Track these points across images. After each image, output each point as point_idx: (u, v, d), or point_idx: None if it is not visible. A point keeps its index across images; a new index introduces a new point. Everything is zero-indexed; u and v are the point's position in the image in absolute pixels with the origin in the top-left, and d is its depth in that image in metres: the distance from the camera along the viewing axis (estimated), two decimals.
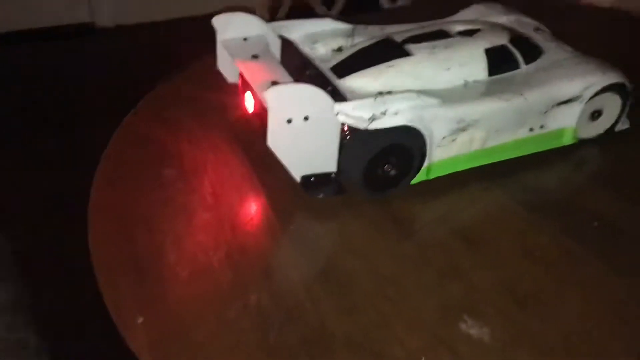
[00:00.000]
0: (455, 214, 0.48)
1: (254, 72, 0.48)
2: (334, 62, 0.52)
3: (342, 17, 0.59)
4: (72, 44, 2.04)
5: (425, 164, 0.48)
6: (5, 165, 1.42)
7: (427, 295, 0.41)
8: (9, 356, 0.99)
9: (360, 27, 0.58)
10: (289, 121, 0.44)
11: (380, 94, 0.48)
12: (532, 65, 0.54)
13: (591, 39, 0.60)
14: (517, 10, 0.63)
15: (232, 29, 0.51)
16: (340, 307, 0.40)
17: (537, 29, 0.61)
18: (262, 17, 0.55)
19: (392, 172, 0.48)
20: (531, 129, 0.52)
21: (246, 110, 0.52)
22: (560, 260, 0.44)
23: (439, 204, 0.49)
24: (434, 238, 0.46)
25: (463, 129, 0.48)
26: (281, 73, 0.47)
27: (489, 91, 0.51)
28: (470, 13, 0.62)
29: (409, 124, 0.45)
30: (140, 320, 0.38)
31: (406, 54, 0.51)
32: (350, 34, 0.56)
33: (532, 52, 0.55)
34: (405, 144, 0.47)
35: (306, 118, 0.44)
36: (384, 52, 0.51)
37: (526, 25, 0.61)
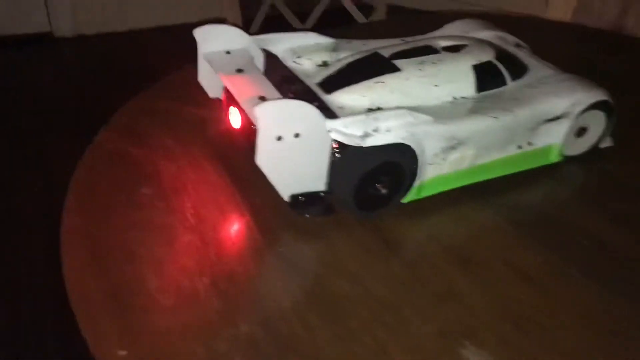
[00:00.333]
0: (447, 233, 0.47)
1: (240, 87, 0.45)
2: (320, 77, 0.50)
3: (322, 31, 0.57)
4: (29, 53, 1.97)
5: (417, 182, 0.47)
6: None
7: (425, 320, 0.39)
8: None
9: (343, 41, 0.57)
10: (279, 138, 0.42)
11: (370, 110, 0.47)
12: (519, 82, 0.54)
13: (555, 53, 0.60)
14: (497, 26, 0.63)
15: (214, 41, 0.49)
16: (336, 335, 0.38)
17: (517, 45, 0.61)
18: None
19: (383, 191, 0.46)
20: (519, 147, 0.52)
21: (230, 126, 0.49)
22: (555, 280, 0.43)
23: (430, 224, 0.48)
24: (426, 259, 0.44)
25: (454, 147, 0.47)
26: (268, 88, 0.45)
27: (477, 108, 0.50)
28: (453, 29, 0.61)
29: (401, 141, 0.44)
30: (123, 353, 0.35)
31: (394, 69, 0.49)
32: (334, 49, 0.55)
33: (517, 69, 0.55)
34: (397, 162, 0.45)
35: (296, 135, 0.42)
36: (372, 67, 0.50)
37: (507, 41, 0.61)
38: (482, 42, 0.56)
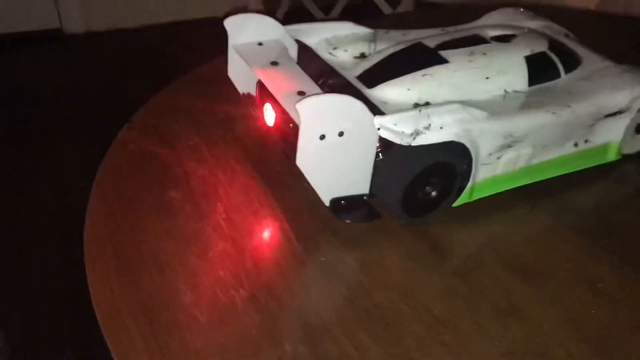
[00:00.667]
0: (502, 239, 0.43)
1: (276, 81, 0.42)
2: (359, 70, 0.46)
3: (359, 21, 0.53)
4: (39, 51, 1.94)
5: (469, 184, 0.43)
6: None
7: (488, 338, 0.35)
8: None
9: (381, 31, 0.53)
10: (322, 137, 0.38)
11: (417, 105, 0.43)
12: (573, 75, 0.50)
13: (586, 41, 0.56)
14: (544, 15, 0.59)
15: (246, 32, 0.45)
16: (390, 355, 0.34)
17: (566, 35, 0.57)
18: None
19: (433, 194, 0.42)
20: (576, 144, 0.48)
21: (263, 124, 0.45)
22: (626, 291, 0.39)
23: (482, 229, 0.44)
24: (483, 270, 0.40)
25: (510, 145, 0.43)
26: (307, 82, 0.42)
27: (532, 103, 0.46)
28: (497, 17, 0.57)
29: (455, 139, 0.40)
30: None
31: (441, 60, 0.45)
32: (372, 39, 0.51)
33: (571, 60, 0.50)
34: (449, 162, 0.41)
35: (341, 134, 0.38)
36: (417, 58, 0.46)
37: (555, 31, 0.57)
38: (532, 31, 0.52)
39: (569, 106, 0.45)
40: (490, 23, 0.56)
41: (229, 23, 0.45)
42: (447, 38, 0.48)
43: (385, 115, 0.38)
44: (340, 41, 0.50)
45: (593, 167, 0.49)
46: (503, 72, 0.46)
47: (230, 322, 0.35)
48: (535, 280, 0.40)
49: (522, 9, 0.59)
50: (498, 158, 0.43)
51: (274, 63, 0.44)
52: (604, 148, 0.49)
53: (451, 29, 0.54)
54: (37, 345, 0.93)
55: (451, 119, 0.40)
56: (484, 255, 0.42)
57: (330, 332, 0.35)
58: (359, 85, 0.45)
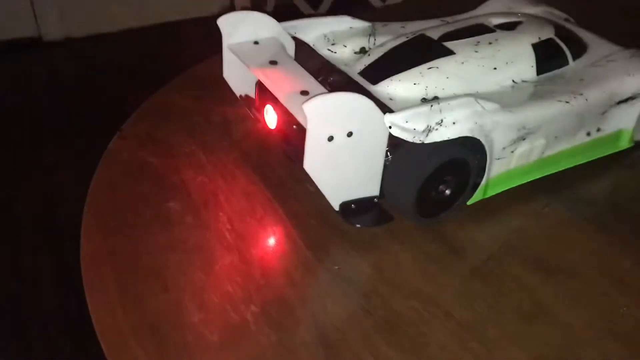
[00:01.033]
0: (521, 238, 0.41)
1: (277, 81, 0.39)
2: (361, 66, 0.44)
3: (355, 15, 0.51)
4: (18, 59, 1.89)
5: (484, 180, 0.41)
6: None
7: (517, 344, 0.33)
8: None
9: (379, 25, 0.51)
10: (330, 139, 0.36)
11: (425, 100, 0.41)
12: (581, 61, 0.48)
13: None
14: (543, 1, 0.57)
15: (241, 31, 0.43)
16: None
17: (566, 20, 0.55)
18: None
19: (447, 193, 0.40)
20: (588, 134, 0.46)
21: (264, 127, 0.43)
22: None
23: (500, 227, 0.42)
24: (503, 269, 0.38)
25: (523, 138, 0.41)
26: (309, 81, 0.39)
27: (542, 92, 0.44)
28: (496, 5, 0.55)
29: (469, 134, 0.38)
30: None
31: (447, 52, 0.43)
32: (371, 33, 0.49)
33: (578, 47, 0.49)
34: (464, 159, 0.39)
35: (349, 134, 0.36)
36: (422, 51, 0.44)
37: (556, 17, 0.55)
38: (537, 18, 0.50)
39: (582, 94, 0.43)
40: (492, 10, 0.54)
41: (223, 22, 0.42)
42: (450, 29, 0.46)
43: (395, 113, 0.36)
44: (339, 36, 0.48)
45: (606, 156, 0.48)
46: (511, 62, 0.44)
47: (243, 341, 0.33)
48: (559, 279, 0.38)
49: None
50: (512, 152, 0.41)
51: (273, 62, 0.41)
52: (617, 136, 0.47)
53: (449, 19, 0.52)
54: None
55: (464, 113, 0.38)
56: (503, 254, 0.40)
57: (351, 347, 0.33)
58: (362, 81, 0.43)
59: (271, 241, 0.40)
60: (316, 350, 0.33)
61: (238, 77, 0.45)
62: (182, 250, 0.38)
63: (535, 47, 0.46)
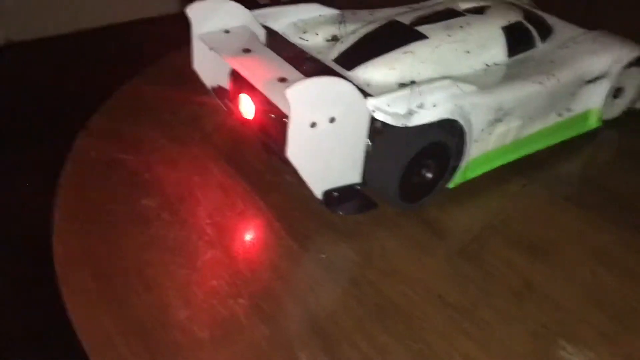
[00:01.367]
0: (503, 218, 0.41)
1: (253, 69, 0.38)
2: (335, 53, 0.44)
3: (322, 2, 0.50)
4: None
5: (463, 163, 0.41)
6: None
7: (509, 322, 0.33)
8: None
9: (348, 12, 0.50)
10: (313, 125, 0.35)
11: (402, 85, 0.41)
12: (548, 43, 0.49)
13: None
14: None
15: (211, 20, 0.42)
16: (414, 353, 0.31)
17: (529, 4, 0.56)
18: None
19: (428, 177, 0.40)
20: (559, 114, 0.47)
21: (239, 117, 0.42)
22: (635, 261, 0.38)
23: (481, 209, 0.42)
24: (489, 250, 0.38)
25: (500, 119, 0.42)
26: (286, 68, 0.38)
27: (513, 74, 0.44)
28: None
29: (449, 116, 0.38)
30: None
31: (420, 36, 0.43)
32: (341, 21, 0.48)
33: (545, 29, 0.49)
34: (444, 142, 0.39)
35: (332, 120, 0.35)
36: (395, 36, 0.43)
37: (520, 1, 0.56)
38: (503, 2, 0.50)
39: (553, 75, 0.44)
40: None
41: (193, 11, 0.41)
42: (420, 14, 0.46)
43: (378, 97, 0.36)
44: (309, 24, 0.47)
45: (577, 135, 0.49)
46: (483, 45, 0.45)
47: (236, 336, 0.32)
48: (545, 257, 0.38)
49: None
50: (489, 133, 0.42)
51: (247, 50, 0.40)
52: (586, 115, 0.48)
53: (419, 5, 0.52)
54: None
55: (443, 95, 0.38)
56: (487, 235, 0.40)
57: (346, 336, 0.32)
58: (338, 68, 0.42)
59: (254, 234, 0.39)
60: (311, 341, 0.32)
61: (209, 67, 0.43)
62: (162, 247, 0.37)
63: (505, 30, 0.46)
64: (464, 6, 0.48)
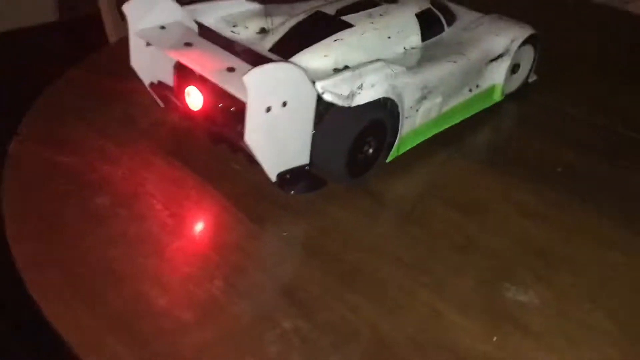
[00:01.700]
0: (437, 185, 0.46)
1: (200, 61, 0.39)
2: (270, 44, 0.46)
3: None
4: None
5: (397, 139, 0.45)
6: None
7: (461, 274, 0.38)
8: None
9: (271, 6, 0.52)
10: (268, 109, 0.37)
11: (337, 70, 0.44)
12: (454, 27, 0.54)
13: None
14: None
15: (148, 16, 0.42)
16: (384, 309, 0.35)
17: None
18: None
19: (370, 152, 0.44)
20: (470, 90, 0.52)
21: (187, 110, 0.43)
22: (551, 210, 0.44)
23: (416, 179, 0.46)
24: (431, 214, 0.42)
25: (425, 97, 0.46)
26: (231, 58, 0.40)
27: (430, 56, 0.49)
28: None
29: (385, 95, 0.41)
30: None
31: (347, 25, 0.46)
32: (267, 14, 0.50)
33: (449, 14, 0.55)
34: (382, 119, 0.43)
35: (284, 104, 0.37)
36: (324, 26, 0.46)
37: None
38: None
39: (464, 55, 0.49)
40: None
41: (129, 8, 0.41)
42: (341, 5, 0.50)
43: (325, 80, 0.39)
44: (238, 18, 0.49)
45: (484, 109, 0.54)
46: (401, 31, 0.49)
47: (218, 315, 0.33)
48: (478, 215, 0.43)
49: None
50: (417, 110, 0.46)
51: (188, 44, 0.41)
52: (491, 90, 0.54)
53: None
54: None
55: (379, 76, 0.41)
56: (425, 200, 0.44)
57: (320, 301, 0.35)
58: (275, 57, 0.44)
59: (214, 220, 0.41)
60: (290, 309, 0.34)
61: (148, 64, 0.44)
62: (125, 242, 0.37)
63: (418, 16, 0.50)
64: None
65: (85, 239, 0.37)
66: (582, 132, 0.54)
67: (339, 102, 0.39)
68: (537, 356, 0.33)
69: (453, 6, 0.57)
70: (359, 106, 0.40)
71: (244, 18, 0.49)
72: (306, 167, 0.42)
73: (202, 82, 0.40)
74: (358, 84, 0.40)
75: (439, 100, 0.47)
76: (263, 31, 0.49)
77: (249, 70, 0.35)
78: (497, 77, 0.54)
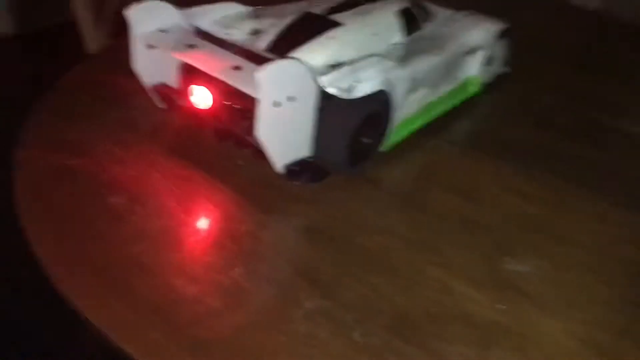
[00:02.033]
0: (432, 171, 0.49)
1: (206, 61, 0.41)
2: (264, 43, 0.48)
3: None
4: None
5: (391, 128, 0.47)
6: None
7: (466, 251, 0.40)
8: None
9: (260, 9, 0.54)
10: (277, 104, 0.39)
11: (332, 67, 0.46)
12: (431, 24, 0.57)
13: None
14: None
15: (150, 20, 0.44)
16: (400, 286, 0.37)
17: None
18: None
19: (367, 143, 0.46)
20: (451, 82, 0.55)
21: (192, 109, 0.44)
22: (543, 190, 0.47)
23: (411, 166, 0.49)
24: (430, 198, 0.45)
25: (414, 89, 0.49)
26: (235, 58, 0.42)
27: (414, 50, 0.51)
28: None
29: (381, 87, 0.44)
30: None
31: (336, 24, 0.49)
32: (257, 16, 0.52)
33: (425, 12, 0.58)
34: (378, 110, 0.45)
35: (290, 98, 0.40)
36: (315, 25, 0.49)
37: None
38: None
39: (444, 49, 0.52)
40: None
41: (132, 13, 0.43)
42: (328, 5, 0.52)
43: (328, 75, 0.41)
44: (231, 21, 0.50)
45: (464, 99, 0.58)
46: (386, 28, 0.51)
47: (245, 300, 0.35)
48: (474, 197, 0.46)
49: None
50: (407, 101, 0.49)
51: (191, 45, 0.43)
52: (469, 82, 0.57)
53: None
54: None
55: (374, 70, 0.44)
56: (423, 185, 0.47)
57: (340, 282, 0.37)
58: (272, 56, 0.46)
59: (226, 213, 0.42)
60: (311, 290, 0.36)
61: (151, 66, 0.45)
62: (147, 237, 0.39)
63: (399, 14, 0.53)
64: None
65: (107, 237, 0.38)
66: (559, 118, 0.58)
67: (342, 95, 0.41)
68: (541, 321, 0.36)
69: (427, 4, 0.61)
70: (358, 99, 0.43)
71: (236, 20, 0.51)
72: (309, 159, 0.44)
73: (210, 80, 0.41)
74: (356, 77, 0.43)
75: (425, 91, 0.50)
76: (255, 32, 0.51)
77: (260, 67, 0.37)
78: (474, 69, 0.57)
